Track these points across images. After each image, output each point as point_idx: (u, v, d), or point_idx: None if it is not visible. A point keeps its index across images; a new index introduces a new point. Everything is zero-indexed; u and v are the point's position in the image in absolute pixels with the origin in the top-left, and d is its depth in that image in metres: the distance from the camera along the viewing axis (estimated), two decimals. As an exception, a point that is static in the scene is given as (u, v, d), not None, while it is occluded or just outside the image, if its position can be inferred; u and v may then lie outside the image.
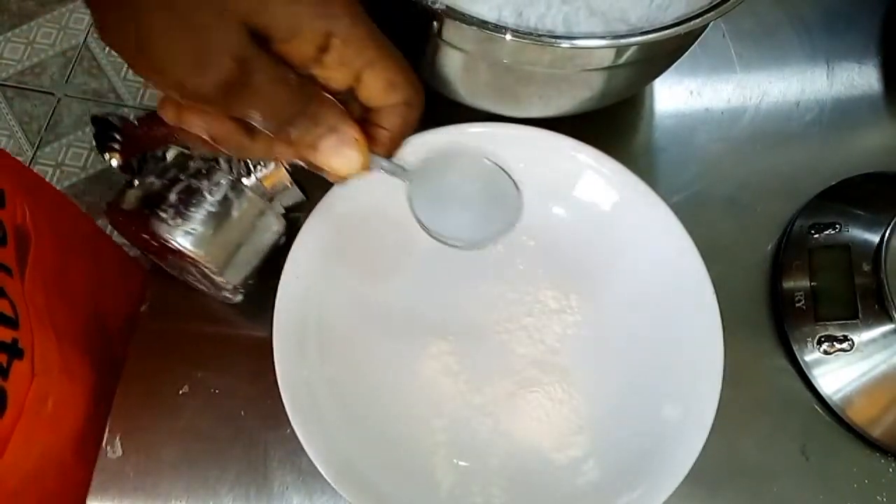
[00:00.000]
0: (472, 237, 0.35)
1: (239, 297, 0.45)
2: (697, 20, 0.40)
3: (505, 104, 0.49)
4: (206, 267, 0.42)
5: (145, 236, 0.42)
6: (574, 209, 0.48)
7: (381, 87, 0.29)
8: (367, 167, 0.30)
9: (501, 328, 0.46)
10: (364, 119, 0.31)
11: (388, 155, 0.32)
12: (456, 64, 0.45)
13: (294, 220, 0.45)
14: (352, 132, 0.29)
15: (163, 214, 0.40)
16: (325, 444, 0.39)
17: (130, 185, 0.42)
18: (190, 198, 0.41)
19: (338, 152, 0.29)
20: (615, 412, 0.44)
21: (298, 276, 0.43)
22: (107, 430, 0.45)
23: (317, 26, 0.27)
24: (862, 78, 0.58)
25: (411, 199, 0.34)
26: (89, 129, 1.45)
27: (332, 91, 0.30)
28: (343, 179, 0.31)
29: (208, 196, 0.41)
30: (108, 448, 0.44)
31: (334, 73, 0.29)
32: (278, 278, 0.43)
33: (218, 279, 0.43)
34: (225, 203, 0.42)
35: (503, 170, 0.36)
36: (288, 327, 0.42)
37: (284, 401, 0.40)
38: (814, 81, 0.58)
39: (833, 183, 0.52)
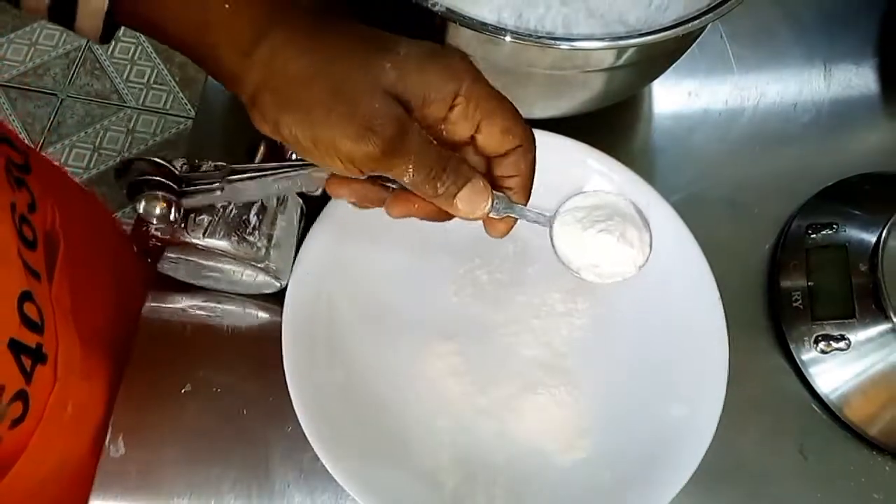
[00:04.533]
0: (605, 272, 0.38)
1: (284, 282, 0.45)
2: (696, 22, 0.41)
3: (505, 105, 0.49)
4: (267, 272, 0.42)
5: (193, 253, 0.41)
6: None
7: (497, 133, 0.33)
8: (492, 208, 0.34)
9: (508, 330, 0.47)
10: (490, 176, 0.35)
11: (525, 199, 0.36)
12: (456, 65, 0.45)
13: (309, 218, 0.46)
14: (482, 181, 0.33)
15: (222, 233, 0.41)
16: (333, 443, 0.40)
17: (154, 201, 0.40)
18: (239, 210, 0.41)
19: (472, 200, 0.33)
20: (620, 415, 0.44)
21: (308, 275, 0.43)
22: (109, 429, 0.45)
23: (446, 89, 0.31)
24: (859, 79, 0.59)
25: (553, 240, 0.37)
26: (91, 130, 1.45)
27: (456, 143, 0.34)
28: (475, 218, 0.35)
29: (254, 202, 0.42)
30: (111, 447, 0.44)
31: (458, 127, 0.33)
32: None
33: (274, 278, 0.43)
34: (268, 204, 0.42)
35: (637, 208, 0.39)
36: (297, 328, 0.42)
37: (294, 400, 0.40)
38: (811, 83, 0.58)
39: (830, 183, 0.53)
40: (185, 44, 0.33)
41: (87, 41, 1.54)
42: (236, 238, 0.41)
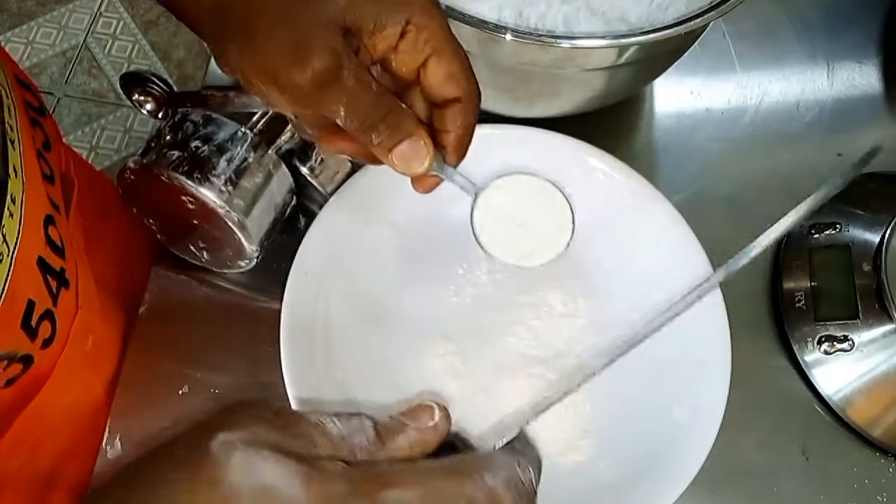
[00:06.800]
0: (522, 256, 0.38)
1: (253, 261, 0.45)
2: (697, 20, 0.40)
3: (505, 104, 0.49)
4: (228, 220, 0.42)
5: (163, 194, 0.42)
6: (582, 212, 0.48)
7: (442, 75, 0.32)
8: (431, 167, 0.34)
9: (508, 330, 0.46)
10: (431, 126, 0.35)
11: (457, 160, 0.35)
12: (456, 64, 0.45)
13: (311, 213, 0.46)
14: (423, 139, 0.33)
15: (186, 169, 0.41)
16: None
17: (150, 146, 0.43)
18: (211, 153, 0.42)
19: (410, 156, 0.33)
20: (622, 416, 0.44)
21: (306, 275, 0.43)
22: (106, 429, 0.45)
23: (398, 17, 0.31)
24: (862, 78, 0.58)
25: (473, 214, 0.37)
26: (89, 129, 1.45)
27: (402, 78, 0.34)
28: (410, 175, 0.34)
29: (229, 151, 0.42)
30: (108, 448, 0.44)
31: (406, 58, 0.32)
32: (279, 278, 0.43)
33: (239, 234, 0.43)
34: (244, 158, 0.43)
35: (562, 193, 0.38)
36: (295, 329, 0.42)
37: (291, 402, 0.40)
38: (814, 81, 0.58)
39: (833, 183, 0.52)
40: None
41: (84, 39, 1.54)
42: (199, 176, 0.41)
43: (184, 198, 0.42)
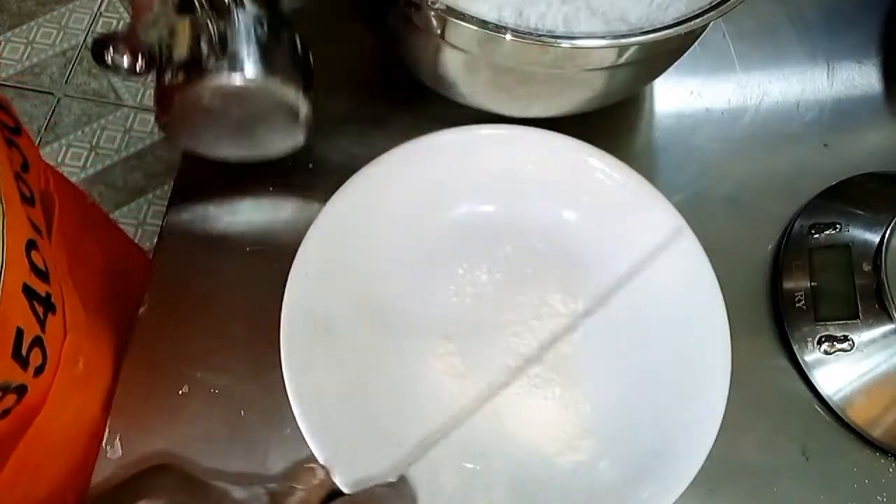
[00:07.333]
0: None
1: (305, 129, 0.45)
2: (697, 20, 0.40)
3: (505, 104, 0.49)
4: (277, 94, 0.42)
5: (192, 112, 0.43)
6: (583, 212, 0.48)
7: None
8: None
9: (509, 330, 0.46)
10: None
11: None
12: (456, 64, 0.45)
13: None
14: None
15: (182, 77, 0.42)
16: (332, 446, 0.39)
17: (165, 73, 0.43)
18: (190, 50, 0.42)
19: None
20: (622, 416, 0.44)
21: (306, 276, 0.43)
22: (106, 430, 0.45)
23: None
24: (862, 78, 0.58)
25: None
26: (88, 129, 1.45)
27: None
28: None
29: (200, 36, 0.42)
30: (108, 448, 0.44)
31: None
32: (279, 278, 0.43)
33: (289, 100, 0.43)
34: (253, 31, 0.43)
35: None
36: (295, 329, 0.42)
37: (292, 402, 0.40)
38: (814, 81, 0.58)
39: (833, 183, 0.52)
40: None
41: (84, 39, 1.54)
42: (195, 72, 0.42)
43: (206, 101, 0.43)
